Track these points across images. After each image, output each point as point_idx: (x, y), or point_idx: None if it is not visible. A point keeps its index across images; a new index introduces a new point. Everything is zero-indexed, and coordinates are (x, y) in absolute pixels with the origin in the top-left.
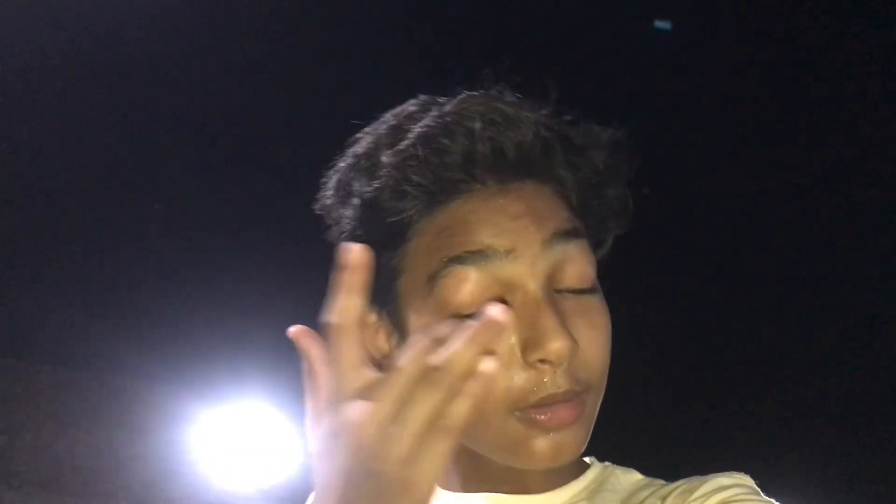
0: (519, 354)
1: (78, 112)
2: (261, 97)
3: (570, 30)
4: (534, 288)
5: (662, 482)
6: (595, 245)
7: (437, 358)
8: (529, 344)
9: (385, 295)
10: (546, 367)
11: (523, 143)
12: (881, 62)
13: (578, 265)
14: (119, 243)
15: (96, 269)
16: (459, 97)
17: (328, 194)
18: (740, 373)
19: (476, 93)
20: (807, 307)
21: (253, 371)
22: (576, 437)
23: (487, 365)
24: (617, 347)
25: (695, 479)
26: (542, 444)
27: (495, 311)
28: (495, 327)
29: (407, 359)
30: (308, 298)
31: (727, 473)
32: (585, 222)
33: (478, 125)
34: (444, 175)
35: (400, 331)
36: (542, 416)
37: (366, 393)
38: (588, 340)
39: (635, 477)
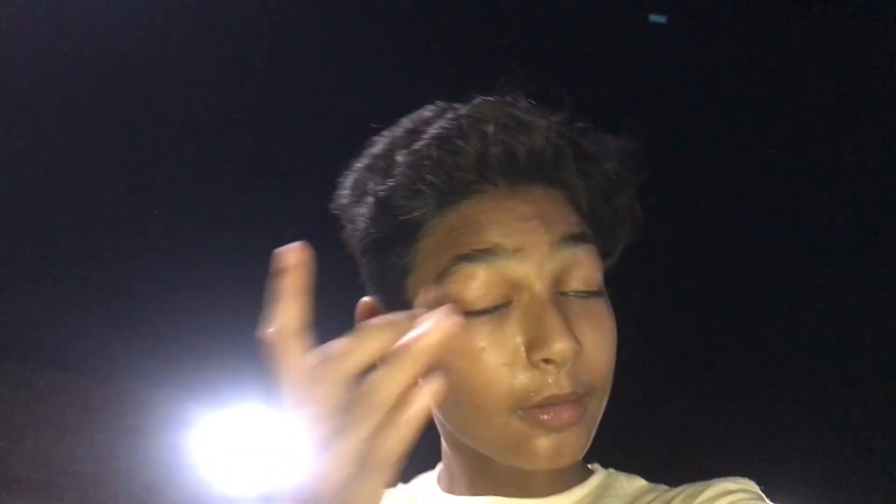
0: (523, 354)
1: (78, 114)
2: (261, 98)
3: (564, 24)
4: (540, 288)
5: (666, 487)
6: (604, 254)
7: (363, 386)
8: (534, 343)
9: (394, 293)
10: (550, 367)
11: (535, 148)
12: (883, 56)
13: (585, 269)
14: (119, 248)
15: (96, 273)
16: (474, 101)
17: (344, 193)
18: (740, 373)
19: (491, 97)
20: (807, 307)
21: (253, 374)
22: (577, 438)
23: (425, 389)
24: (617, 348)
25: (699, 484)
26: (543, 443)
27: (442, 315)
28: (436, 336)
29: (329, 373)
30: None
31: (732, 478)
32: (595, 229)
33: (491, 128)
34: (456, 175)
35: None
36: (545, 416)
37: (304, 412)
38: (593, 343)
39: (639, 483)
